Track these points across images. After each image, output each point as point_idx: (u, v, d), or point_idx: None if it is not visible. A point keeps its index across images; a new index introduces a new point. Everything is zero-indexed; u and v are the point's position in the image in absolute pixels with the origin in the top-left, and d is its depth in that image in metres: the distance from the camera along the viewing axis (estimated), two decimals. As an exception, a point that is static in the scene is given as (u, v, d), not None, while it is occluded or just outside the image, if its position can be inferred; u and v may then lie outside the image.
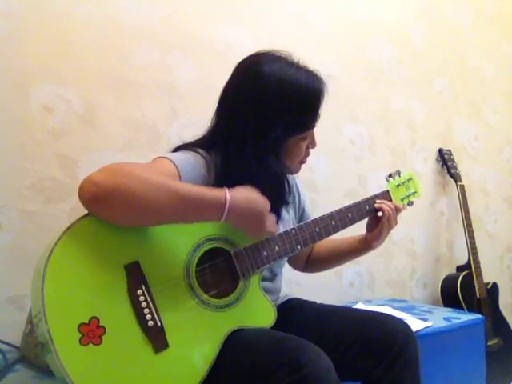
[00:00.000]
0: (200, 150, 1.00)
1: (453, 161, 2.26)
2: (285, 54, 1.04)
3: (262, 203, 0.92)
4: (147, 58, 1.52)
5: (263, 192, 0.98)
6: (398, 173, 1.25)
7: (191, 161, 0.96)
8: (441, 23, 2.36)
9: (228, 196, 0.85)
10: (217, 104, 1.06)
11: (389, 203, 1.16)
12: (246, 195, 0.89)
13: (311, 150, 1.11)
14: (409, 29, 2.22)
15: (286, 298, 1.21)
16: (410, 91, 2.21)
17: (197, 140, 1.07)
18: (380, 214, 1.15)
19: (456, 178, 2.21)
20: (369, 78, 2.07)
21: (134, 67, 1.50)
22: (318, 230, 1.05)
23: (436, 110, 2.31)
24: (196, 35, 1.62)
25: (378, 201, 1.16)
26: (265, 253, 0.97)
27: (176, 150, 1.04)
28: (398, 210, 1.17)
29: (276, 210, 1.04)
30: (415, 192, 1.25)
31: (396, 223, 1.17)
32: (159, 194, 0.79)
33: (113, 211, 0.79)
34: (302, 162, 1.11)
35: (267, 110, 0.98)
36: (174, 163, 0.92)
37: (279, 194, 1.03)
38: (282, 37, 1.80)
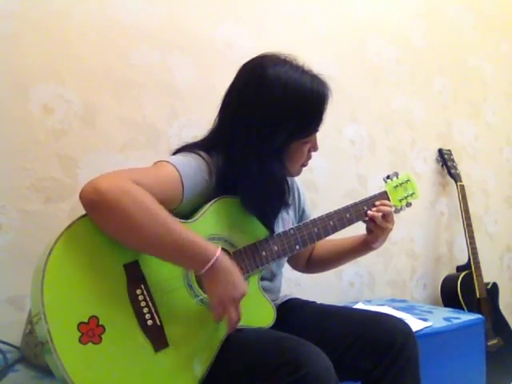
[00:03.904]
0: (202, 153, 0.99)
1: (453, 161, 2.26)
2: (289, 57, 1.03)
3: (243, 286, 0.88)
4: (147, 58, 1.52)
5: (264, 195, 0.98)
6: (396, 174, 1.24)
7: (193, 165, 0.95)
8: (441, 23, 2.36)
9: (218, 253, 0.84)
10: (220, 105, 1.05)
11: (377, 214, 1.12)
12: (233, 269, 0.87)
13: (312, 153, 1.11)
14: (409, 29, 2.22)
15: (286, 298, 1.21)
16: (410, 91, 2.21)
17: (198, 141, 1.06)
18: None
19: (456, 178, 2.21)
20: (369, 78, 2.07)
21: (134, 67, 1.50)
22: (316, 230, 1.05)
23: (436, 110, 2.31)
24: (196, 35, 1.62)
25: (369, 212, 1.13)
26: (264, 253, 0.97)
27: (178, 151, 1.04)
28: (386, 217, 1.13)
29: (276, 212, 1.04)
30: (413, 193, 1.25)
31: (393, 224, 1.15)
32: (154, 230, 0.79)
33: (106, 224, 0.80)
34: (304, 165, 1.11)
35: (271, 114, 0.97)
36: (177, 168, 0.91)
37: (279, 197, 1.03)
38: (282, 37, 1.80)
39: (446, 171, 2.25)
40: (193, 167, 0.95)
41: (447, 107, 2.36)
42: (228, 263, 0.86)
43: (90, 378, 0.74)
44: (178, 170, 0.91)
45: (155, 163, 0.95)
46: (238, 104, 1.01)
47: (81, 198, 0.79)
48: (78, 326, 0.75)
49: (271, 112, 0.97)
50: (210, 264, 0.82)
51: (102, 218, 0.80)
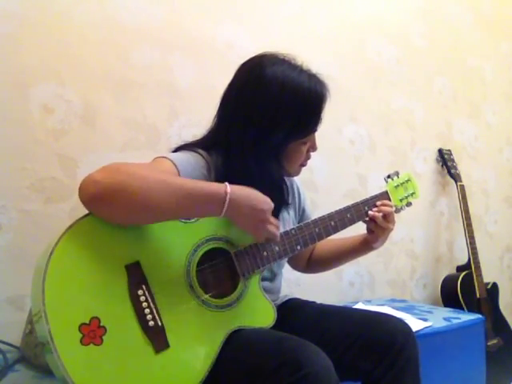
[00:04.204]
0: (200, 151, 1.00)
1: (453, 161, 2.26)
2: (288, 56, 1.03)
3: (264, 201, 0.90)
4: (147, 58, 1.52)
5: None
6: (397, 173, 1.24)
7: (191, 161, 0.96)
8: (441, 23, 2.36)
9: (228, 189, 0.84)
10: (218, 104, 1.06)
11: (378, 214, 1.11)
12: (248, 192, 0.88)
13: (311, 153, 1.11)
14: (409, 28, 2.23)
15: (286, 298, 1.21)
16: (410, 91, 2.21)
17: (197, 140, 1.07)
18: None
19: (456, 178, 2.21)
20: (369, 78, 2.07)
21: (134, 67, 1.50)
22: (317, 230, 1.05)
23: (436, 110, 2.31)
24: (196, 35, 1.62)
25: (370, 213, 1.12)
26: (265, 253, 0.97)
27: (176, 149, 1.04)
28: (387, 217, 1.12)
29: (276, 211, 1.04)
30: (414, 193, 1.25)
31: (394, 224, 1.15)
32: (159, 191, 0.79)
33: (113, 209, 0.79)
34: (302, 165, 1.11)
35: (269, 114, 0.97)
36: (174, 163, 0.92)
37: (278, 196, 1.03)
38: (281, 37, 1.80)
39: (446, 171, 2.26)
40: (191, 163, 0.95)
41: (447, 107, 2.36)
42: (240, 191, 0.86)
43: (91, 380, 0.73)
44: (175, 166, 0.91)
45: (153, 159, 0.95)
46: (236, 103, 1.01)
47: (80, 194, 0.79)
48: (80, 327, 0.74)
49: (269, 111, 0.97)
50: (226, 203, 0.83)
51: (107, 207, 0.78)
